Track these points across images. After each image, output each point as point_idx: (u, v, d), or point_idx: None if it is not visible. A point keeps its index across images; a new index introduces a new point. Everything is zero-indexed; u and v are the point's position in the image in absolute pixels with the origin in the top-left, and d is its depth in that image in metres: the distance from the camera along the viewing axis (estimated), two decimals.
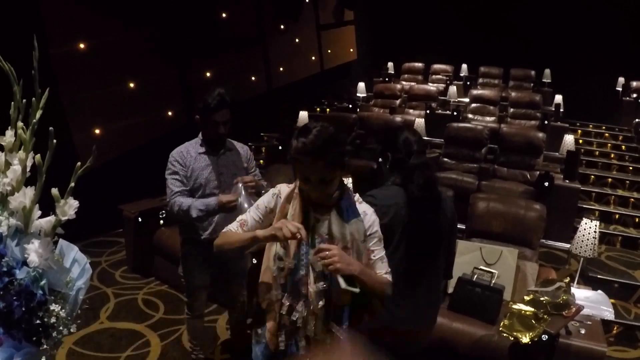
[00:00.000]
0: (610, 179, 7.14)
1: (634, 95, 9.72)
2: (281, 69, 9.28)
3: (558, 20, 10.79)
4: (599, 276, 4.67)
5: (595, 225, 3.78)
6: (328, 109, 10.63)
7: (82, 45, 5.08)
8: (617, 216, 6.13)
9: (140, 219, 4.37)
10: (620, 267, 5.11)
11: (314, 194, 1.77)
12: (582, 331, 3.00)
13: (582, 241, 3.81)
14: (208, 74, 7.11)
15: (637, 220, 6.06)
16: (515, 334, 2.88)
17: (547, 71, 10.55)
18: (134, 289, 4.37)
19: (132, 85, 5.73)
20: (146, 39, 5.86)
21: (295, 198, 1.84)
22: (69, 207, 1.18)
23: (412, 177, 2.29)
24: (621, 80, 10.45)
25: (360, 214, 1.86)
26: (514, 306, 3.07)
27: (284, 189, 1.91)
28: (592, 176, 7.19)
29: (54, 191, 1.17)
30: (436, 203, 2.38)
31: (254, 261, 3.13)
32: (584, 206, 6.20)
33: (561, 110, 8.74)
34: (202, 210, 2.69)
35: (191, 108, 6.32)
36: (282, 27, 9.20)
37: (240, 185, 2.66)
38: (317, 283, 1.78)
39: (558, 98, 8.92)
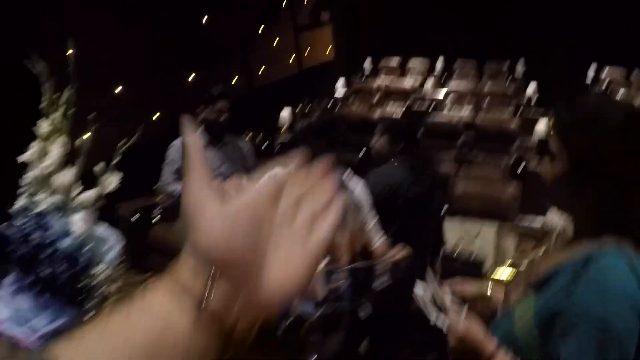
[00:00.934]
0: None
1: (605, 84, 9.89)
2: (260, 71, 9.48)
3: (534, 9, 10.99)
4: None
5: None
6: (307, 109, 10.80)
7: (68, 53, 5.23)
8: None
9: (135, 217, 4.54)
10: None
11: None
12: None
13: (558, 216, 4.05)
14: (190, 80, 7.28)
15: None
16: None
17: (521, 61, 10.75)
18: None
19: (117, 92, 5.90)
20: (129, 49, 6.03)
21: None
22: (112, 180, 1.37)
23: (414, 156, 2.58)
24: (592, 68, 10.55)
25: (349, 188, 2.06)
26: (494, 277, 3.26)
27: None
28: None
29: (99, 167, 1.37)
30: (433, 182, 2.65)
31: None
32: None
33: (536, 97, 9.03)
34: None
35: (175, 115, 6.46)
36: (260, 30, 9.41)
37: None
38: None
39: (531, 86, 9.21)
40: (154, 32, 6.47)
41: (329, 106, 10.05)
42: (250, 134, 8.31)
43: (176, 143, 3.02)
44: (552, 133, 1.33)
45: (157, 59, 6.57)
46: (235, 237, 0.36)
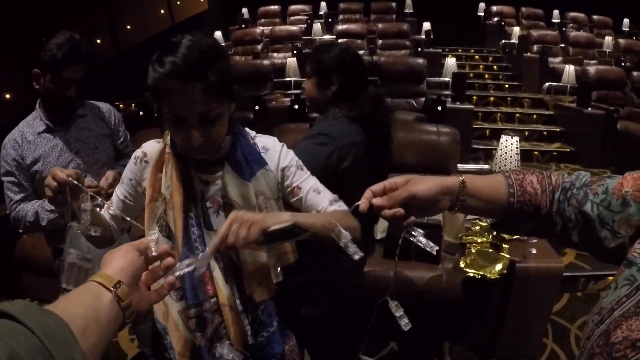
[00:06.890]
0: (492, 98, 7.22)
1: (496, 19, 10.16)
2: (128, 27, 8.21)
3: None
4: None
5: (516, 141, 3.64)
6: None
7: None
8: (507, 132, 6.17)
9: None
10: None
11: (193, 145, 1.12)
12: (533, 251, 2.75)
13: (505, 159, 3.68)
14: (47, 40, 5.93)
15: (526, 133, 6.15)
16: (481, 271, 2.56)
17: (409, 1, 10.51)
18: None
19: None
20: None
21: (168, 160, 1.23)
22: None
23: (374, 110, 1.81)
24: (482, 5, 10.90)
25: (266, 162, 1.26)
26: (466, 239, 2.79)
27: (151, 147, 1.29)
28: (475, 97, 7.20)
29: None
30: (386, 140, 1.93)
31: None
32: (475, 126, 6.14)
33: (431, 37, 8.70)
34: (54, 211, 1.90)
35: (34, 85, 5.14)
36: None
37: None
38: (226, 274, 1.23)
39: (427, 25, 8.93)
40: None
41: None
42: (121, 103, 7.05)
43: (6, 144, 1.95)
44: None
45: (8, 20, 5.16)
46: (127, 268, 0.77)
